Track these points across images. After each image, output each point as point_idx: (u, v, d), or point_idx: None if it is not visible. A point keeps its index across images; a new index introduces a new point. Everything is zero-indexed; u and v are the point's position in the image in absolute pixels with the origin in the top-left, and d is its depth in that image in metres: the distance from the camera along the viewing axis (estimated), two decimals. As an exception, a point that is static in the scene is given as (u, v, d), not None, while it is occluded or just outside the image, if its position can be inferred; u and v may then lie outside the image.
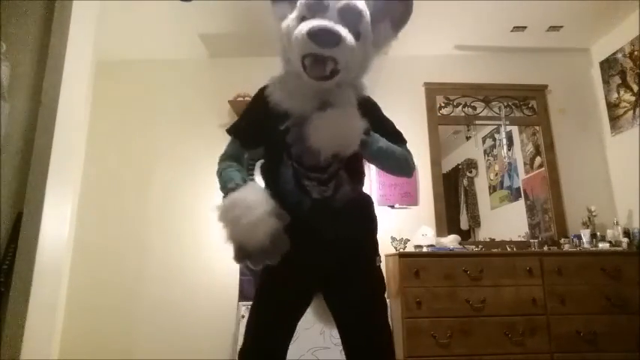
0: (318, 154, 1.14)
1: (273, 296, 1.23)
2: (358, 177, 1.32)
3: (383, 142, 1.24)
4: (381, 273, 1.29)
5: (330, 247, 1.20)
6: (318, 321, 1.40)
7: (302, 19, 1.15)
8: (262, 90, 1.28)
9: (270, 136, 1.26)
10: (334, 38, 1.08)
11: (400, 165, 1.32)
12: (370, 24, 1.21)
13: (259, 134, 1.29)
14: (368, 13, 1.20)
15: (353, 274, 1.22)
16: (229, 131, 1.35)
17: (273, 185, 1.25)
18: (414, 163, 1.34)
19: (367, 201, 1.36)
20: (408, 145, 1.36)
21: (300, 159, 1.20)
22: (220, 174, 1.27)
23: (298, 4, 1.19)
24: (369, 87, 1.33)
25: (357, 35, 1.16)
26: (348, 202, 1.23)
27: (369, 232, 1.31)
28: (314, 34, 1.07)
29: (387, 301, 2.72)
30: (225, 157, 1.33)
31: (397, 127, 1.39)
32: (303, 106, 1.18)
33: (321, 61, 1.11)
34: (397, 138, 1.33)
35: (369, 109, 1.25)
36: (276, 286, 1.23)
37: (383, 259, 2.84)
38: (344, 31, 1.10)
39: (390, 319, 2.56)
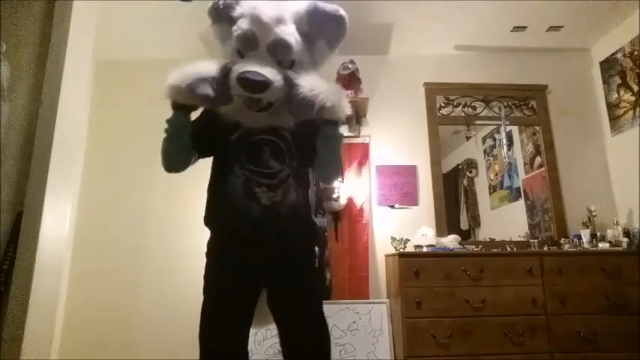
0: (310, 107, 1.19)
1: (221, 295, 1.29)
2: (305, 184, 1.41)
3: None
4: (317, 272, 1.43)
5: (274, 249, 1.29)
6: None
7: (238, 52, 1.25)
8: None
9: (220, 146, 1.34)
10: (261, 85, 1.16)
11: (336, 169, 1.47)
12: (305, 45, 1.28)
13: (209, 142, 1.37)
14: (298, 40, 1.25)
15: (294, 272, 1.32)
16: None
17: (221, 194, 1.33)
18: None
19: (307, 207, 1.44)
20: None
21: (252, 166, 1.29)
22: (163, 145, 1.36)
23: (234, 35, 1.25)
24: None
25: (291, 63, 1.25)
26: (294, 209, 1.31)
27: (309, 235, 1.42)
28: (243, 82, 1.16)
29: (388, 301, 2.73)
30: None
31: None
32: (252, 119, 1.28)
33: (255, 100, 1.21)
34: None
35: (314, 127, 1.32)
36: (222, 285, 1.29)
37: (383, 259, 2.85)
38: (272, 74, 1.17)
39: (390, 319, 2.58)
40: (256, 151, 1.30)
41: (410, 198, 3.02)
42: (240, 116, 1.29)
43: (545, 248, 2.74)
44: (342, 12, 1.29)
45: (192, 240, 2.93)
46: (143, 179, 3.04)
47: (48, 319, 1.65)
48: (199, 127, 1.36)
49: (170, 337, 2.76)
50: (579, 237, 2.72)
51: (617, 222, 2.74)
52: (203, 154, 1.42)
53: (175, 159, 1.39)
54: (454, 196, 3.21)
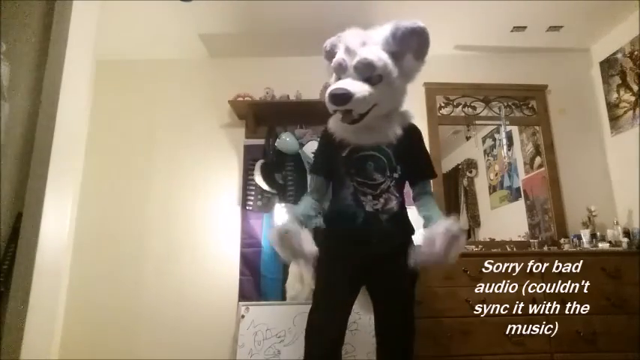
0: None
1: (330, 285, 1.54)
2: (403, 193, 1.66)
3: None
4: (412, 270, 1.54)
5: (376, 249, 1.52)
6: (360, 309, 1.75)
7: (337, 78, 1.51)
8: (325, 130, 1.65)
9: (335, 163, 1.61)
10: (344, 97, 1.39)
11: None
12: (393, 61, 1.48)
13: (332, 165, 1.65)
14: (382, 57, 1.45)
15: (392, 269, 1.51)
16: (312, 172, 1.77)
17: (335, 201, 1.62)
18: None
19: (406, 213, 1.67)
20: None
21: (359, 178, 1.55)
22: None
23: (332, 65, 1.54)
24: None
25: (378, 78, 1.45)
26: (393, 215, 1.56)
27: (406, 238, 1.62)
28: (331, 97, 1.41)
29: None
30: (311, 190, 1.73)
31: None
32: (357, 137, 1.54)
33: (346, 113, 1.45)
34: (425, 171, 1.74)
35: (411, 136, 1.61)
36: (333, 277, 1.54)
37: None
38: (355, 87, 1.40)
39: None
40: (362, 165, 1.55)
41: (410, 198, 3.01)
42: (348, 136, 1.54)
43: (545, 248, 2.74)
44: (420, 24, 1.50)
45: (193, 238, 2.94)
46: (143, 179, 3.04)
47: (48, 319, 1.65)
48: (323, 156, 1.70)
49: (170, 338, 2.76)
50: (579, 237, 2.72)
51: (617, 222, 2.74)
52: (331, 176, 1.69)
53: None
54: (454, 196, 3.21)
